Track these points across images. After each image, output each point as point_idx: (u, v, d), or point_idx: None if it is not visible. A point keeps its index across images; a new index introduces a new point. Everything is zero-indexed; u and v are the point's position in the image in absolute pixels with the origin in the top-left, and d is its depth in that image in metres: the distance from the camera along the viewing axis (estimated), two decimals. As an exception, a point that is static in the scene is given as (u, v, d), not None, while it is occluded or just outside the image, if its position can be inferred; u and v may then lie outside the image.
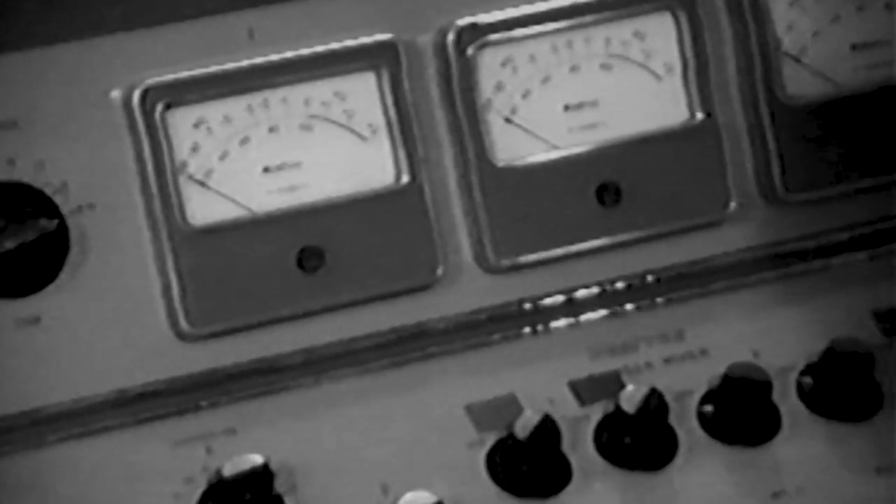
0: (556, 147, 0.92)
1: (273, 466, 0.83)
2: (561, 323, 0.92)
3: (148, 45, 0.87)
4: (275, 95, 0.88)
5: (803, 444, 0.92)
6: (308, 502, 0.86)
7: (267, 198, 0.88)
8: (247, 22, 0.88)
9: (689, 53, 0.93)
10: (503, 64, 0.91)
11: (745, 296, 0.96)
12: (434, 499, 0.84)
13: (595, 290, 0.93)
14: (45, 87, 0.85)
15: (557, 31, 0.92)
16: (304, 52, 0.88)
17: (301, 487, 0.86)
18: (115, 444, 0.85)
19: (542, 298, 0.93)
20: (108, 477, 0.86)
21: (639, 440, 0.89)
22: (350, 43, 0.89)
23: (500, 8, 0.91)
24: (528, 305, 0.92)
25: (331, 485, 0.87)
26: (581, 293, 0.93)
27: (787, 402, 0.92)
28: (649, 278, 0.94)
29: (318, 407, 0.89)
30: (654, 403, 0.89)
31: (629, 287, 0.94)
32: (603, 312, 0.93)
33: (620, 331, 0.93)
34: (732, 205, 0.94)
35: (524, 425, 0.86)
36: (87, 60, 0.86)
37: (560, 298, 0.93)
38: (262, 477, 0.83)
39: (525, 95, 0.91)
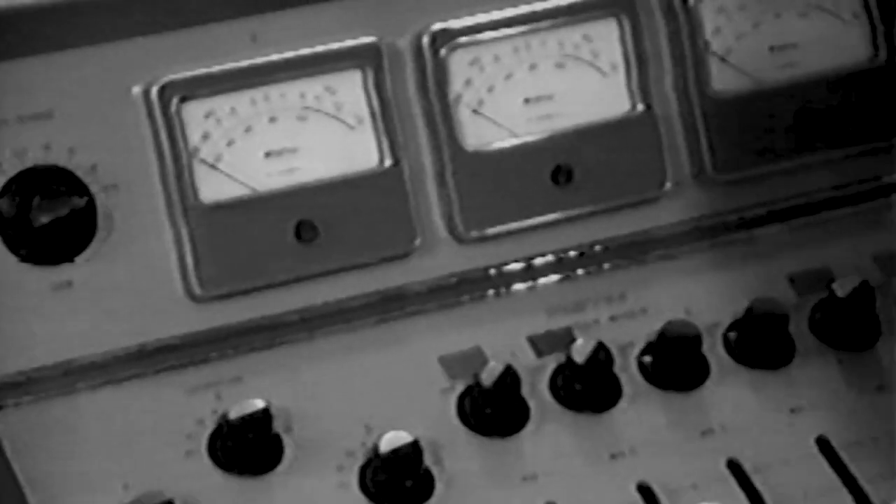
0: (516, 135, 0.95)
1: (272, 410, 0.86)
2: (521, 286, 0.95)
3: (165, 47, 0.90)
4: (274, 90, 0.90)
5: (728, 390, 0.95)
6: (302, 440, 0.89)
7: (268, 178, 0.91)
8: (250, 27, 0.90)
9: (631, 54, 0.97)
10: (471, 63, 0.94)
11: (678, 263, 0.98)
12: (411, 437, 0.87)
13: (550, 258, 0.96)
14: (77, 83, 0.88)
15: (518, 34, 0.95)
16: (300, 53, 0.91)
17: (296, 428, 0.89)
18: (137, 391, 0.88)
19: (504, 265, 0.95)
20: (130, 419, 0.88)
21: (587, 386, 0.91)
22: (339, 45, 0.92)
23: (469, 14, 0.94)
24: (492, 271, 0.95)
25: (322, 425, 0.90)
26: (538, 261, 0.96)
27: (715, 353, 0.95)
28: (597, 248, 0.97)
29: (312, 359, 0.92)
30: (601, 355, 0.91)
31: (580, 255, 0.96)
32: (557, 277, 0.95)
33: (572, 293, 0.95)
34: (668, 184, 0.97)
35: (489, 374, 0.89)
36: (113, 60, 0.89)
37: (520, 265, 0.95)
38: (262, 419, 0.86)
39: (490, 90, 0.94)
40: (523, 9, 0.96)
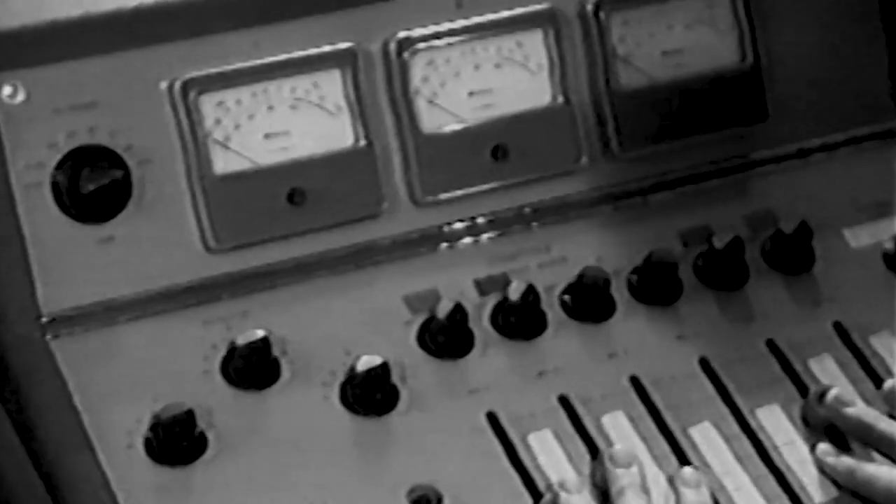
0: (463, 120, 1.00)
1: (271, 339, 0.92)
2: (467, 240, 1.00)
3: (186, 51, 0.94)
4: (272, 86, 0.95)
5: (630, 322, 1.00)
6: (295, 363, 0.93)
7: (266, 154, 0.96)
8: (253, 36, 0.95)
9: (554, 57, 1.01)
10: (427, 64, 0.99)
11: (591, 221, 1.03)
12: (381, 360, 0.91)
13: (490, 218, 1.00)
14: (116, 80, 0.93)
15: (465, 41, 0.99)
16: (292, 56, 0.96)
17: (290, 353, 0.94)
18: (164, 324, 0.93)
19: (454, 224, 1.00)
20: (158, 346, 0.92)
21: (520, 319, 0.97)
22: (323, 50, 0.97)
23: (426, 26, 0.98)
24: (444, 229, 1.00)
25: (310, 350, 0.94)
26: (480, 220, 1.00)
27: (620, 293, 1.00)
28: (527, 210, 1.01)
29: (302, 298, 0.96)
30: (531, 295, 0.97)
31: (513, 216, 1.01)
32: (495, 233, 1.00)
33: (507, 246, 1.00)
34: (583, 159, 1.03)
35: (442, 309, 0.95)
36: (145, 62, 0.93)
37: (466, 224, 1.00)
38: (263, 345, 0.91)
39: (442, 85, 0.99)
40: (469, 21, 1.00)
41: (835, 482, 0.96)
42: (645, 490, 0.92)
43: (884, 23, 1.11)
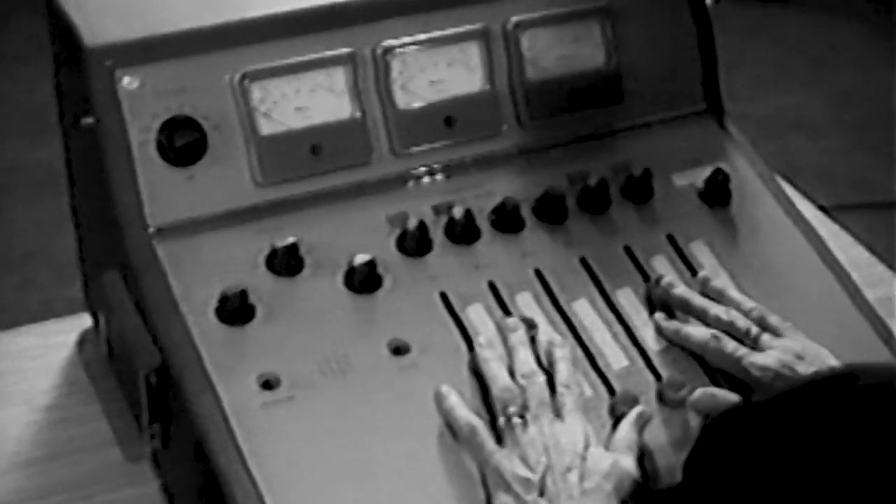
0: (424, 99, 1.04)
1: (299, 244, 0.97)
2: (427, 180, 1.04)
3: (242, 54, 1.00)
4: (299, 77, 1.01)
5: (536, 234, 1.01)
6: (314, 259, 0.97)
7: (296, 121, 1.01)
8: (287, 44, 1.00)
9: (485, 59, 1.05)
10: (402, 62, 1.04)
11: (509, 169, 1.06)
12: (370, 257, 0.97)
13: (443, 165, 1.04)
14: (196, 72, 0.99)
15: (426, 48, 1.04)
16: (312, 57, 1.01)
17: (311, 253, 0.98)
18: (227, 233, 0.98)
19: (419, 169, 1.04)
20: (224, 248, 0.97)
21: (463, 231, 0.99)
22: (332, 53, 1.02)
23: (399, 38, 1.03)
24: (413, 172, 1.04)
25: (324, 251, 0.98)
26: (436, 166, 1.04)
27: (528, 215, 1.02)
28: (467, 160, 1.05)
29: (319, 217, 1.00)
30: (469, 215, 1.00)
31: (458, 164, 1.05)
32: (446, 176, 1.04)
33: (454, 184, 1.04)
34: (504, 126, 1.07)
35: (411, 224, 0.99)
36: (214, 61, 0.99)
37: (426, 169, 1.04)
38: (293, 248, 0.97)
39: (412, 77, 1.04)
40: (430, 35, 1.04)
41: (667, 338, 0.99)
42: (531, 342, 0.96)
43: (699, 38, 1.12)
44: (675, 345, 0.98)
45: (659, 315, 1.00)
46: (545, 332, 0.97)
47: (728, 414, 0.79)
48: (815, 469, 0.70)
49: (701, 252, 1.04)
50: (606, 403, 0.93)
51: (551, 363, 0.94)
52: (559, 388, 0.92)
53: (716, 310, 0.99)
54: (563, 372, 0.93)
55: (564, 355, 0.95)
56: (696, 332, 0.98)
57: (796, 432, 0.71)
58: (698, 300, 1.00)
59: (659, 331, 0.99)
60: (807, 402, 0.73)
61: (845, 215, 1.70)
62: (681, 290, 1.01)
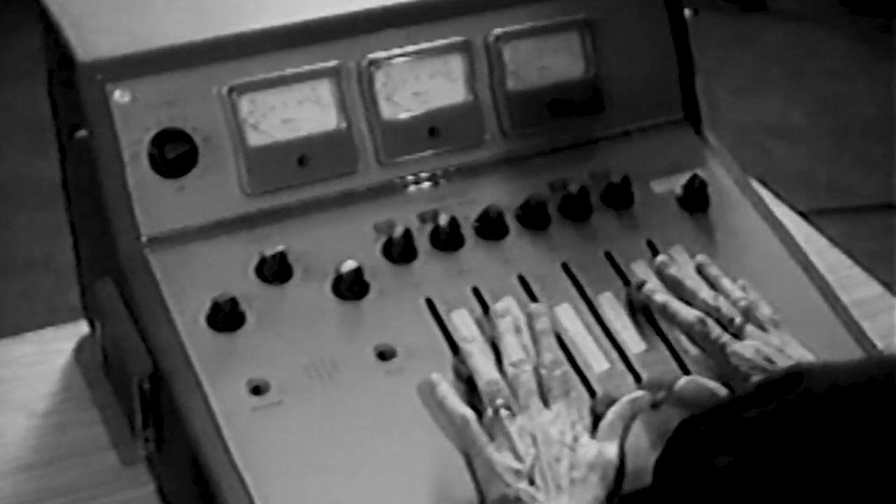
0: (409, 110, 1.04)
1: (287, 252, 0.96)
2: (413, 188, 1.04)
3: (231, 68, 0.99)
4: (287, 89, 1.00)
5: (519, 240, 1.01)
6: (304, 266, 0.97)
7: (283, 133, 1.00)
8: (274, 58, 1.00)
9: (468, 71, 1.05)
10: (386, 75, 1.03)
11: (489, 177, 1.05)
12: (356, 264, 0.95)
13: (428, 174, 1.04)
14: (187, 85, 0.98)
15: (412, 61, 1.03)
16: (299, 70, 1.01)
17: (299, 261, 0.97)
18: (220, 244, 0.97)
19: (405, 177, 1.04)
20: (214, 256, 0.96)
21: (447, 239, 0.99)
22: (319, 66, 1.01)
23: (382, 51, 1.02)
24: (397, 180, 1.03)
25: (312, 258, 0.98)
26: (422, 175, 1.04)
27: (511, 222, 1.01)
28: (451, 169, 1.05)
29: (307, 226, 0.99)
30: (454, 223, 1.00)
31: (443, 173, 1.04)
32: (431, 184, 1.04)
33: (439, 192, 1.04)
34: (487, 135, 1.07)
35: (397, 232, 0.99)
36: (204, 75, 0.98)
37: (413, 177, 1.04)
38: (283, 255, 0.96)
39: (395, 89, 1.04)
40: (414, 48, 1.03)
41: (655, 311, 0.97)
42: (517, 331, 0.96)
43: (676, 48, 1.12)
44: (662, 318, 0.97)
45: (649, 286, 0.99)
46: (524, 305, 0.97)
47: (694, 418, 0.80)
48: (772, 468, 0.72)
49: (680, 257, 1.04)
50: (587, 406, 0.92)
51: (535, 339, 0.94)
52: (544, 372, 0.92)
53: (705, 294, 0.99)
54: (545, 352, 0.93)
55: (545, 328, 0.94)
56: (684, 311, 0.98)
57: (753, 433, 0.74)
58: (690, 282, 1.00)
59: (643, 306, 0.98)
60: (759, 403, 0.76)
61: (823, 219, 1.70)
62: (661, 296, 0.99)
